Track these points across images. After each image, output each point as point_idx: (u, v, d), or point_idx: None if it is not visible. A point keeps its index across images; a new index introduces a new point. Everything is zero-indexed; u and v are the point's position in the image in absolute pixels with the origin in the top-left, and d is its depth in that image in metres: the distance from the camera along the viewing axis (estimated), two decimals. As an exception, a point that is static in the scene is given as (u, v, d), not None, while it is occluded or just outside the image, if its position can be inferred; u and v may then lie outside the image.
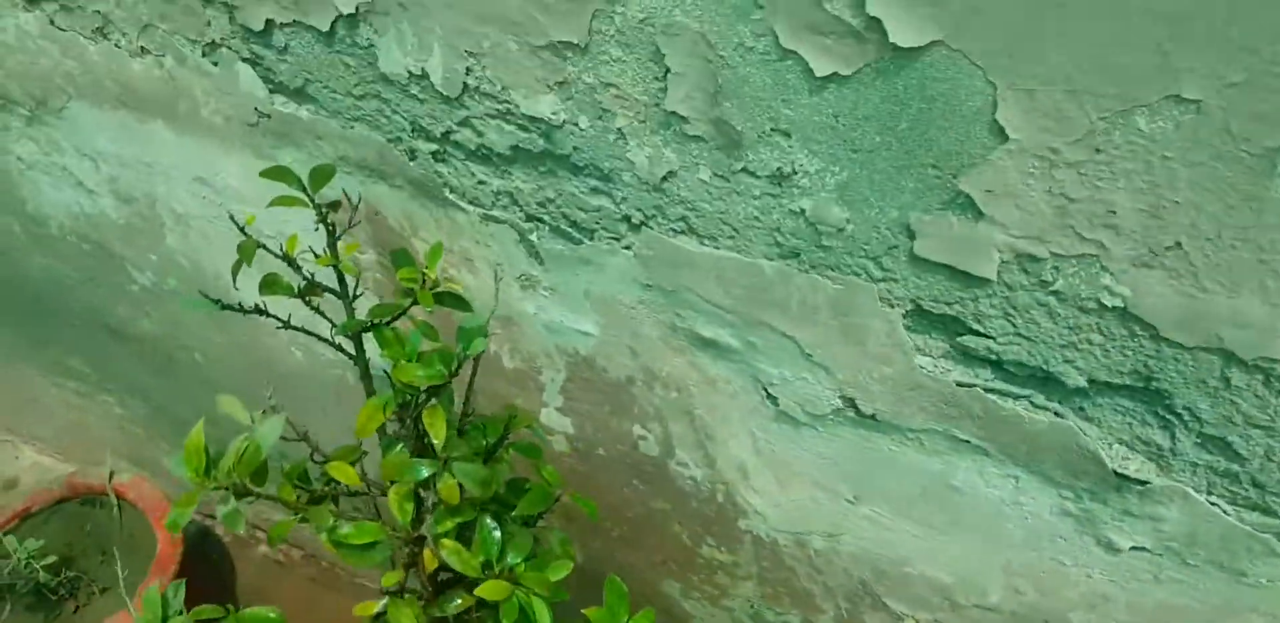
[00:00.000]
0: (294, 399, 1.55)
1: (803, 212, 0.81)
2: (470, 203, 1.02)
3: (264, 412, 0.96)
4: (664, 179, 0.87)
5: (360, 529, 0.86)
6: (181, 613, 1.30)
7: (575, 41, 0.81)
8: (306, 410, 1.54)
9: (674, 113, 0.81)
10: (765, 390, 0.99)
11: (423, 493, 0.88)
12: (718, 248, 0.89)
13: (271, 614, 1.27)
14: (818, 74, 0.71)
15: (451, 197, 1.03)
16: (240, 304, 0.93)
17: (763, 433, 1.04)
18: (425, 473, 0.84)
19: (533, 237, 1.01)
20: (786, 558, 1.17)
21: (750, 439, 1.06)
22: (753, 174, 0.81)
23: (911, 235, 0.77)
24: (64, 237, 1.57)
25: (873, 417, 0.92)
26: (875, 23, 0.67)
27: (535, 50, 0.84)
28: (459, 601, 0.96)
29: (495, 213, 1.01)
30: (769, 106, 0.76)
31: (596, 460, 1.25)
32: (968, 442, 0.89)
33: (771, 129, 0.77)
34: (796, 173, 0.79)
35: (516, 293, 1.09)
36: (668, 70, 0.78)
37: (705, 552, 1.27)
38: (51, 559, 1.75)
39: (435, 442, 0.84)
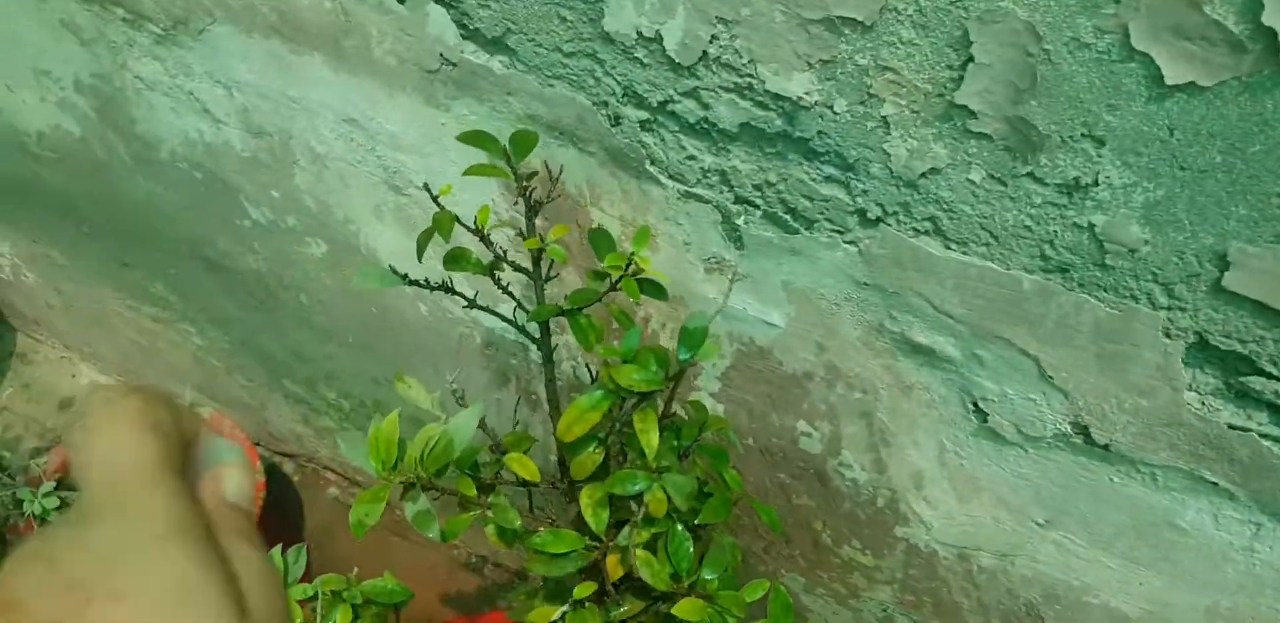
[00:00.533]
0: (407, 353, 1.48)
1: (1091, 227, 0.73)
2: (671, 178, 0.94)
3: (439, 395, 0.90)
4: (922, 175, 0.78)
5: (557, 538, 0.80)
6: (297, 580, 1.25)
7: (859, 18, 0.72)
8: (416, 367, 1.48)
9: (962, 106, 0.72)
10: (973, 405, 0.92)
11: (627, 503, 0.82)
12: (966, 254, 0.81)
13: (389, 584, 1.22)
14: (1168, 81, 0.63)
15: (651, 169, 0.94)
16: (426, 280, 0.86)
17: (954, 445, 0.98)
18: (640, 486, 0.77)
19: (739, 220, 0.93)
20: (941, 570, 1.12)
21: (936, 450, 0.99)
22: (1039, 180, 0.73)
23: (1224, 265, 0.69)
24: (174, 162, 1.49)
25: (1105, 447, 0.86)
26: (1267, 34, 0.58)
27: (805, 23, 0.75)
28: (626, 607, 0.90)
29: (699, 191, 0.93)
30: (1088, 110, 0.67)
31: (743, 449, 1.19)
32: (1214, 484, 0.82)
33: (1083, 134, 0.69)
34: (1098, 184, 0.71)
35: (699, 275, 1.01)
36: (969, 59, 0.70)
37: (845, 552, 1.21)
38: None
39: (647, 451, 0.77)
